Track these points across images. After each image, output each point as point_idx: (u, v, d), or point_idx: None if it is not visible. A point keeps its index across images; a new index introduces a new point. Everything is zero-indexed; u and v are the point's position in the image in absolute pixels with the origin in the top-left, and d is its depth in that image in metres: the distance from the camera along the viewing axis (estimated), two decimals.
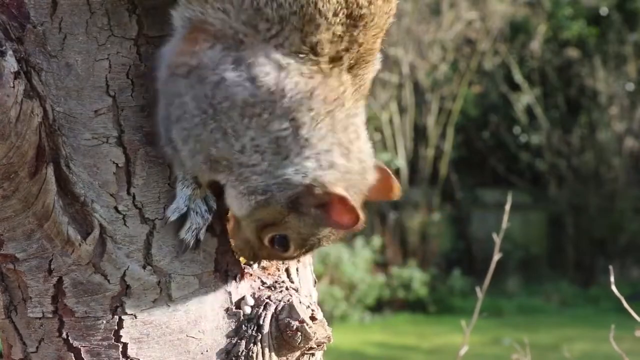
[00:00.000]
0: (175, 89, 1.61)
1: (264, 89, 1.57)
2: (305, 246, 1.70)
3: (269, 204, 1.63)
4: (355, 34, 1.61)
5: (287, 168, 1.60)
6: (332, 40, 1.59)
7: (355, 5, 1.59)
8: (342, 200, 1.60)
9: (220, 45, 1.58)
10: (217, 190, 1.71)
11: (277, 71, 1.58)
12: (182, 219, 1.69)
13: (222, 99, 1.58)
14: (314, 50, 1.59)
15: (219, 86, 1.58)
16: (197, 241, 1.70)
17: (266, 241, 1.70)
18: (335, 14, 1.57)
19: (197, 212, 1.68)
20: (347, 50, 1.61)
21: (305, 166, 1.60)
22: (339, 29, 1.59)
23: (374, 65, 1.69)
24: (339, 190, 1.61)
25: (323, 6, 1.56)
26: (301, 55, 1.59)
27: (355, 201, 1.64)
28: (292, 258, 1.74)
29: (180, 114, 1.61)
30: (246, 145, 1.59)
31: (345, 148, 1.64)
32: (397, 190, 1.77)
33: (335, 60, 1.61)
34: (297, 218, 1.65)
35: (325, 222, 1.65)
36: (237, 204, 1.67)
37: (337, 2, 1.57)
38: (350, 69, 1.64)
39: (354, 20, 1.60)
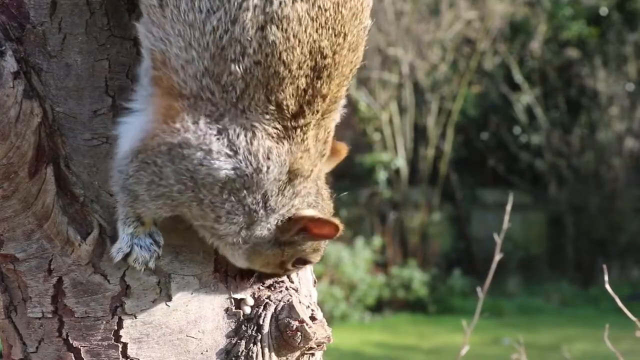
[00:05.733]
0: (151, 159, 1.59)
1: (243, 161, 1.57)
2: (319, 250, 1.77)
3: (259, 251, 1.69)
4: (318, 86, 1.58)
5: (256, 230, 1.65)
6: (296, 94, 1.56)
7: (319, 57, 1.56)
8: (313, 219, 1.67)
9: (203, 118, 1.55)
10: None
11: (250, 138, 1.56)
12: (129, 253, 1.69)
13: (205, 175, 1.57)
14: (279, 107, 1.56)
15: (203, 162, 1.57)
16: (149, 268, 1.70)
17: (289, 267, 1.77)
18: (299, 67, 1.54)
19: (141, 247, 1.67)
20: (309, 103, 1.58)
21: (270, 222, 1.65)
22: (302, 82, 1.56)
23: (338, 113, 1.68)
24: (306, 212, 1.67)
25: (287, 57, 1.53)
26: (267, 117, 1.56)
27: (325, 213, 1.71)
28: (318, 261, 1.81)
29: (155, 180, 1.60)
30: (221, 218, 1.62)
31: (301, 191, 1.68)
32: (343, 148, 1.80)
33: (298, 116, 1.58)
34: (293, 247, 1.72)
35: (312, 239, 1.72)
36: (231, 258, 1.72)
37: (301, 53, 1.53)
38: (314, 125, 1.62)
39: (317, 72, 1.57)
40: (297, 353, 1.78)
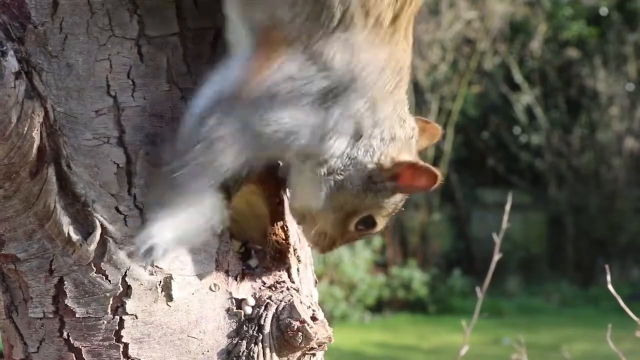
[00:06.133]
0: (247, 105, 1.59)
1: (339, 72, 1.59)
2: (389, 215, 1.77)
3: (345, 188, 1.67)
4: None
5: (359, 149, 1.65)
6: (389, 2, 1.61)
7: None
8: (413, 165, 1.67)
9: (292, 51, 1.58)
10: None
11: (349, 52, 1.59)
12: None
13: (300, 95, 1.58)
14: (377, 20, 1.60)
15: (293, 91, 1.58)
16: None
17: (352, 227, 1.74)
18: None
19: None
20: (402, 8, 1.63)
21: (372, 145, 1.65)
22: None
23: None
24: (406, 157, 1.67)
25: None
26: (367, 31, 1.60)
27: (423, 162, 1.70)
28: (378, 232, 1.79)
29: (259, 128, 1.59)
30: (329, 133, 1.61)
31: (403, 120, 1.69)
32: (438, 131, 1.84)
33: (395, 20, 1.63)
34: (375, 196, 1.70)
35: (402, 190, 1.71)
36: (313, 193, 1.69)
37: None
38: (405, 27, 1.66)
39: None
40: (299, 353, 1.78)
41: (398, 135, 1.67)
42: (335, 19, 1.58)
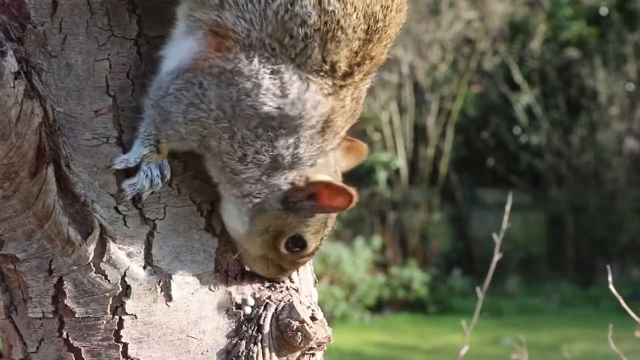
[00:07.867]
0: (198, 79, 1.62)
1: (289, 104, 1.61)
2: (319, 233, 1.76)
3: (265, 210, 1.68)
4: (369, 48, 1.65)
5: (276, 178, 1.66)
6: (349, 56, 1.63)
7: (372, 20, 1.63)
8: (328, 184, 1.67)
9: (257, 57, 1.60)
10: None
11: (304, 89, 1.61)
12: (133, 173, 1.68)
13: (247, 106, 1.61)
14: (332, 68, 1.63)
15: (250, 94, 1.60)
16: (140, 198, 1.68)
17: (283, 248, 1.74)
18: (354, 30, 1.61)
19: (147, 175, 1.67)
20: (359, 65, 1.65)
21: (292, 174, 1.67)
22: (355, 45, 1.63)
23: (372, 76, 1.73)
24: (321, 177, 1.68)
25: (345, 22, 1.60)
26: (321, 74, 1.62)
27: (340, 182, 1.71)
28: (314, 252, 1.78)
29: (195, 102, 1.62)
30: (247, 157, 1.64)
31: (325, 154, 1.71)
32: (364, 150, 1.86)
33: (347, 76, 1.65)
34: (296, 216, 1.70)
35: (320, 209, 1.71)
36: (236, 216, 1.70)
37: (357, 17, 1.61)
38: (356, 85, 1.68)
39: (369, 34, 1.64)
40: (298, 353, 1.78)
41: (319, 163, 1.68)
42: (297, 48, 1.60)
